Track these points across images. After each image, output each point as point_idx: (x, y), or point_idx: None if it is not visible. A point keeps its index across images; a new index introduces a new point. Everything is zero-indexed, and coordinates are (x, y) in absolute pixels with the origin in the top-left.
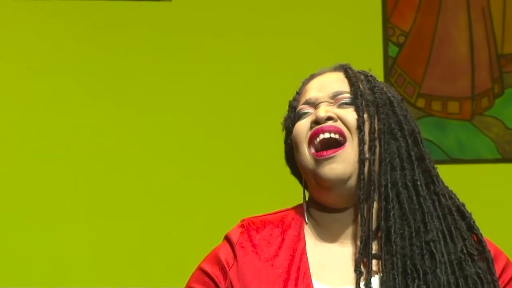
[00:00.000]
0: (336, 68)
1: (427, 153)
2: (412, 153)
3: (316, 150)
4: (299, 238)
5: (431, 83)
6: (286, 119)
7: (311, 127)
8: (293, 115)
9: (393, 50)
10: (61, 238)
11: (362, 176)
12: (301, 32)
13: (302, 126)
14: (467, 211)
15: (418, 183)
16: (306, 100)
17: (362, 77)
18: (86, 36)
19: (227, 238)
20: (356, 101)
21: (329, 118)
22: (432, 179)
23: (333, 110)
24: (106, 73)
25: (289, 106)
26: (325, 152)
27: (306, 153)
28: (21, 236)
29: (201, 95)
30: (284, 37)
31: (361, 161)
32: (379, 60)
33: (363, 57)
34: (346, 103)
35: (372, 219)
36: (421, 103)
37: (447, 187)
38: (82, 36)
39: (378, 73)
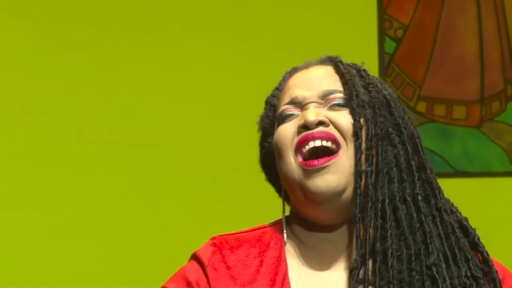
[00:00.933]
0: (324, 61)
1: (428, 161)
2: (413, 163)
3: (304, 159)
4: (280, 261)
5: (433, 84)
6: (263, 119)
7: (298, 132)
8: (272, 115)
9: (390, 45)
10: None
11: (358, 191)
12: (286, 25)
13: (287, 131)
14: (470, 227)
15: (419, 197)
16: (291, 99)
17: (354, 71)
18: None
19: (196, 258)
20: (351, 103)
21: (320, 123)
22: (434, 192)
23: (325, 113)
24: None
25: (266, 104)
26: (316, 161)
27: (292, 162)
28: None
29: (177, 99)
30: (268, 30)
31: (357, 173)
32: (373, 57)
33: (355, 54)
34: (338, 105)
35: (369, 240)
36: (422, 107)
37: (448, 201)
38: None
39: (373, 72)
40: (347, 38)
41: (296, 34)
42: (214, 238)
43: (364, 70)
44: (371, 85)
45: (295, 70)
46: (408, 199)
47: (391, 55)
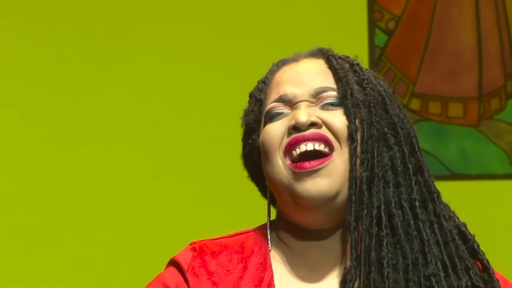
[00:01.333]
0: (315, 54)
1: (425, 163)
2: (409, 165)
3: (293, 161)
4: (265, 267)
5: (428, 80)
6: (247, 114)
7: (288, 133)
8: (258, 110)
9: (380, 38)
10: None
11: (353, 198)
12: (268, 16)
13: (276, 131)
14: (469, 233)
15: (416, 203)
16: (280, 96)
17: (347, 66)
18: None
19: (174, 263)
20: (345, 102)
21: (312, 124)
22: (432, 197)
23: (317, 113)
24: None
25: (251, 97)
26: (307, 163)
27: (280, 164)
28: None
29: (155, 94)
30: (253, 22)
31: (352, 178)
32: (363, 51)
33: (343, 46)
34: (332, 104)
35: (364, 249)
36: (415, 104)
37: (447, 205)
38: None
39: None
40: (335, 30)
41: (281, 25)
42: (193, 243)
43: (357, 64)
44: (366, 81)
45: (283, 63)
46: (405, 204)
47: (382, 49)
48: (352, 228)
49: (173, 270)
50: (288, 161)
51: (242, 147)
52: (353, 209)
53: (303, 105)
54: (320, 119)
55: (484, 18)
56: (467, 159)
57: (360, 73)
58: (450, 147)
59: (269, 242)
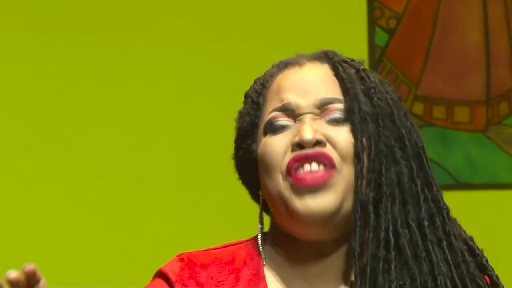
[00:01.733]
0: (319, 58)
1: (433, 176)
2: (418, 181)
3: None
4: (259, 278)
5: (432, 82)
6: (242, 116)
7: (292, 149)
8: (254, 113)
9: (381, 37)
10: None
11: (358, 222)
12: (265, 15)
13: (279, 146)
14: (477, 248)
15: (425, 222)
16: (283, 105)
17: (353, 72)
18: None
19: (161, 275)
20: (352, 118)
21: (318, 142)
22: (441, 213)
23: (322, 129)
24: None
25: (247, 98)
26: (308, 176)
27: (281, 180)
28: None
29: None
30: (249, 21)
31: (358, 201)
32: (362, 51)
33: (341, 46)
34: (338, 120)
35: (370, 274)
36: (418, 108)
37: (455, 220)
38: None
39: None
40: (333, 29)
41: (277, 24)
42: (181, 254)
43: (363, 69)
44: (373, 90)
45: (285, 66)
46: (412, 224)
47: (382, 48)
48: (356, 255)
49: (159, 282)
50: (290, 179)
51: (235, 149)
52: (357, 234)
53: (307, 119)
54: (325, 136)
55: (492, 14)
56: (474, 167)
57: (367, 80)
58: (455, 154)
59: (262, 253)
